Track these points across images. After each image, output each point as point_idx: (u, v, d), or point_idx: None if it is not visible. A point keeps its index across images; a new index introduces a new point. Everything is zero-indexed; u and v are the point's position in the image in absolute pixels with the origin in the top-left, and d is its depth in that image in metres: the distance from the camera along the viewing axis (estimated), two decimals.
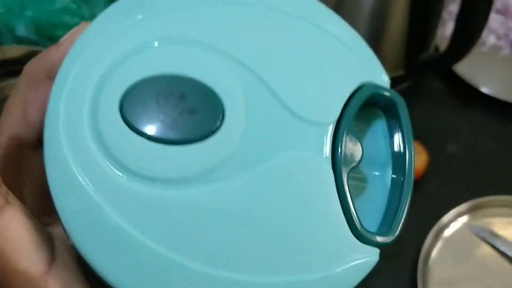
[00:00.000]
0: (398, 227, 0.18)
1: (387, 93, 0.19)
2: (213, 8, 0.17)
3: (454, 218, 0.58)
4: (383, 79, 0.19)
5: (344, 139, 0.17)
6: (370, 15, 0.59)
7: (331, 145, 0.17)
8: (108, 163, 0.15)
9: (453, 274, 0.55)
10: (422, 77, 0.70)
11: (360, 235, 0.17)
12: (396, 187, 0.18)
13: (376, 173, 0.19)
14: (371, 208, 0.19)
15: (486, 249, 0.56)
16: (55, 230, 0.19)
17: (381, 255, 0.19)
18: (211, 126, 0.15)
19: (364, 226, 0.17)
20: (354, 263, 0.17)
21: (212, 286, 0.15)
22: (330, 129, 0.17)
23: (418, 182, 0.61)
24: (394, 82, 0.20)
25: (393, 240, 0.18)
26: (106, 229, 0.15)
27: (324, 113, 0.17)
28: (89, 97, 0.16)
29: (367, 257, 0.17)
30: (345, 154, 0.17)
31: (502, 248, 0.56)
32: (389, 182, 0.19)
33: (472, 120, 0.68)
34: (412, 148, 0.19)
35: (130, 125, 0.15)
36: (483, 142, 0.65)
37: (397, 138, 0.19)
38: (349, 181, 0.17)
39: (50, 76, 0.18)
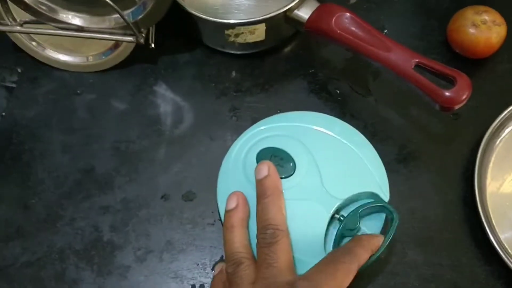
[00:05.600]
0: None
1: (388, 207, 0.41)
2: (302, 128, 0.45)
3: None
4: (385, 194, 0.42)
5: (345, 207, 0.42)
6: None
7: (336, 208, 0.41)
8: (245, 179, 0.42)
9: None
10: None
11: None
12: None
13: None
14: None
15: None
16: None
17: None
18: (289, 173, 0.41)
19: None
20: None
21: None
22: (339, 202, 0.41)
23: (490, 60, 0.52)
24: None
25: None
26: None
27: (339, 193, 0.41)
28: (244, 154, 0.44)
29: None
30: (338, 211, 0.41)
31: None
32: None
33: None
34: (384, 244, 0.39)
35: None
36: None
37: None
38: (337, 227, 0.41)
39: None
